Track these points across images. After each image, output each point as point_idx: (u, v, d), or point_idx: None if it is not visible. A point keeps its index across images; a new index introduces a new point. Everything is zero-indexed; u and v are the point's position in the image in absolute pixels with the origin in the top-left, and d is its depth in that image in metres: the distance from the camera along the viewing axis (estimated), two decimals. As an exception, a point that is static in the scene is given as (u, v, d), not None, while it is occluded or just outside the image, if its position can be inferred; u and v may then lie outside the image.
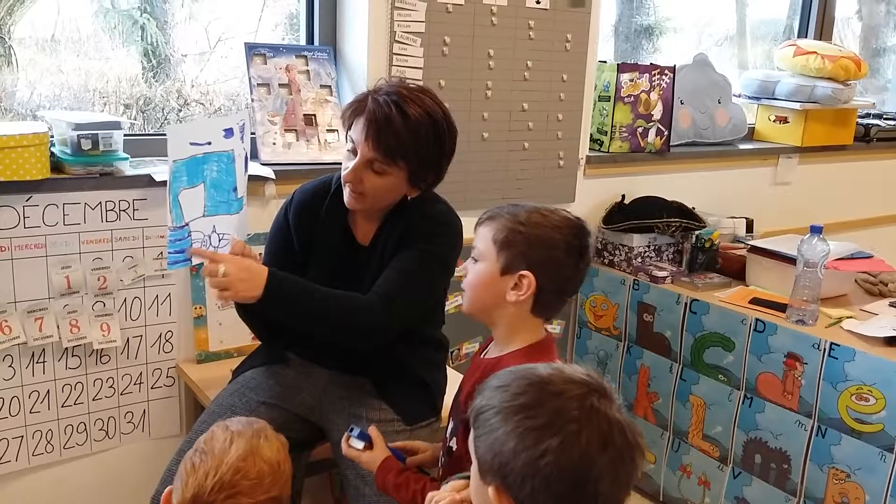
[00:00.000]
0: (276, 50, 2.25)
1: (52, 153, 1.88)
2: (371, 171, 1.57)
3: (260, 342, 1.88)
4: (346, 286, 1.63)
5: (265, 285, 1.47)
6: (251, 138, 1.91)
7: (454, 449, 1.40)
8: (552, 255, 1.32)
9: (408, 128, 1.55)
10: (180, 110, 2.43)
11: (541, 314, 1.37)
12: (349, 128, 1.60)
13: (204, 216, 1.53)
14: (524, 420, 0.89)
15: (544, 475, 0.87)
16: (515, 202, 1.39)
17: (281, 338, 1.79)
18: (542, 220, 1.33)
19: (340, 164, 1.65)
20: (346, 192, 1.63)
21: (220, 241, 1.56)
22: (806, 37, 3.67)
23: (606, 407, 0.90)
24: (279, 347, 1.81)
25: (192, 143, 1.47)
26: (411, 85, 1.64)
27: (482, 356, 1.45)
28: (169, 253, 1.51)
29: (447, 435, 1.46)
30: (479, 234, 1.38)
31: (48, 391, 1.98)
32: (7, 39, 2.15)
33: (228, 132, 1.51)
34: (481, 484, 0.94)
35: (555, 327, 2.79)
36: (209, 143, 1.49)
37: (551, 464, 0.86)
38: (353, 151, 1.59)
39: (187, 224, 1.51)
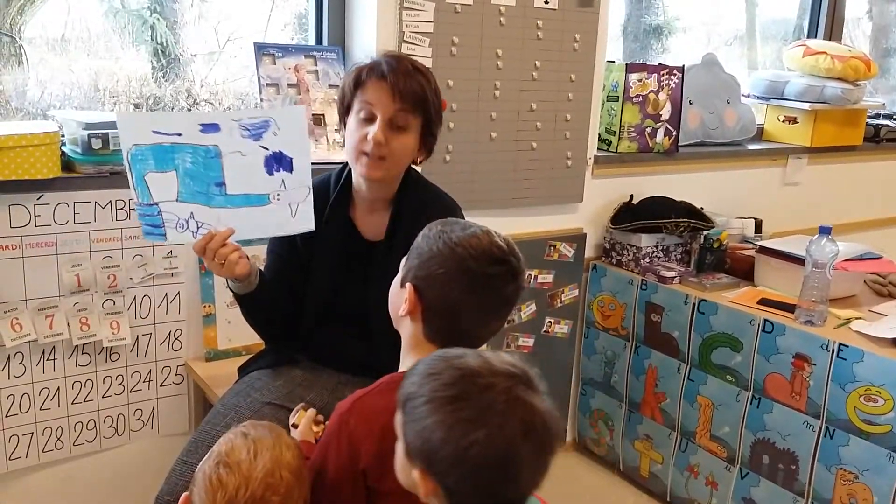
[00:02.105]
0: (286, 50, 2.26)
1: (63, 152, 1.90)
2: (393, 129, 1.60)
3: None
4: (352, 284, 1.63)
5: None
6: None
7: None
8: (438, 273, 1.22)
9: (423, 79, 1.62)
10: (189, 110, 2.44)
11: (434, 338, 1.25)
12: (357, 94, 1.62)
13: (177, 201, 1.56)
14: (453, 412, 0.94)
15: (470, 465, 0.93)
16: (467, 221, 1.32)
17: (290, 341, 1.80)
18: (447, 237, 1.24)
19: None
20: (364, 162, 1.62)
21: (198, 227, 1.57)
22: (816, 37, 3.66)
23: (531, 396, 0.96)
24: (289, 349, 1.81)
25: (154, 132, 1.51)
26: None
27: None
28: (143, 225, 1.58)
29: None
30: None
31: (58, 388, 1.99)
32: (17, 39, 2.16)
33: (209, 128, 1.51)
34: (407, 463, 1.00)
35: (562, 327, 2.79)
36: (178, 135, 1.51)
37: (478, 455, 0.92)
38: (369, 117, 1.60)
39: (156, 203, 1.55)
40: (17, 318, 1.89)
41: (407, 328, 1.29)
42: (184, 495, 1.17)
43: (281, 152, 1.55)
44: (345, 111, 1.66)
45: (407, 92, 1.59)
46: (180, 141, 1.51)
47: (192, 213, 1.56)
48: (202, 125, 1.52)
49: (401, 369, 1.30)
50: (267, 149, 1.54)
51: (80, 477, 2.08)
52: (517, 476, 0.94)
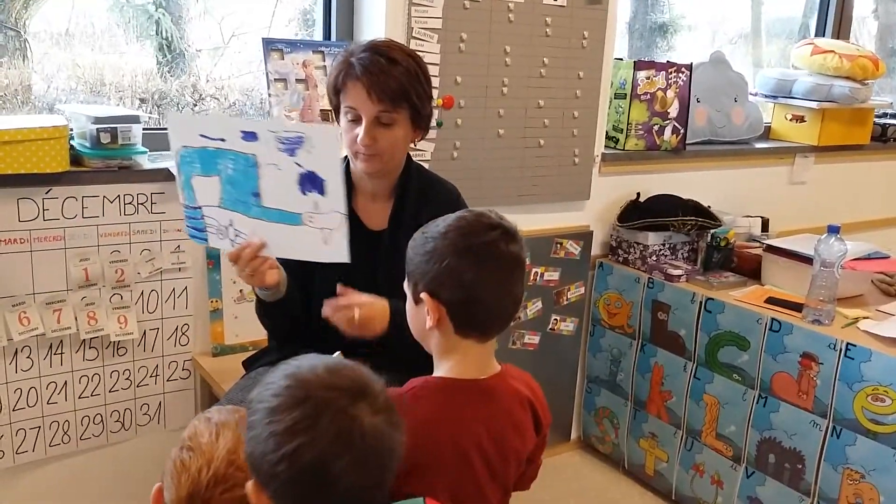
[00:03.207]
0: (294, 45, 2.25)
1: (72, 146, 1.89)
2: (380, 126, 1.60)
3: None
4: (359, 274, 1.62)
5: (389, 319, 1.54)
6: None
7: None
8: (443, 267, 1.21)
9: (400, 70, 1.59)
10: (195, 105, 2.44)
11: (467, 330, 1.25)
12: (340, 98, 1.63)
13: (220, 207, 1.53)
14: (270, 424, 0.94)
15: (283, 479, 0.92)
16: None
17: (297, 337, 1.78)
18: (432, 234, 1.24)
19: None
20: (359, 160, 1.64)
21: (236, 236, 1.55)
22: (823, 35, 3.65)
23: (360, 410, 0.94)
24: (295, 345, 1.80)
25: (201, 136, 1.48)
26: (377, 39, 1.69)
27: None
28: (187, 226, 1.57)
29: None
30: None
31: (65, 382, 1.99)
32: (22, 33, 2.16)
33: (249, 136, 1.47)
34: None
35: (568, 324, 2.79)
36: (222, 140, 1.47)
37: (287, 470, 0.92)
38: (356, 118, 1.61)
39: (200, 207, 1.54)
40: (25, 311, 1.89)
41: (436, 337, 1.27)
42: (156, 485, 1.17)
43: (314, 172, 1.48)
44: (335, 111, 1.69)
45: (385, 91, 1.58)
46: (224, 146, 1.49)
47: (231, 220, 1.54)
48: (243, 132, 1.48)
49: (438, 373, 1.28)
50: (301, 166, 1.48)
51: (87, 471, 2.08)
52: (337, 490, 0.92)
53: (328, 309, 1.52)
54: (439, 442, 1.22)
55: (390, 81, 1.58)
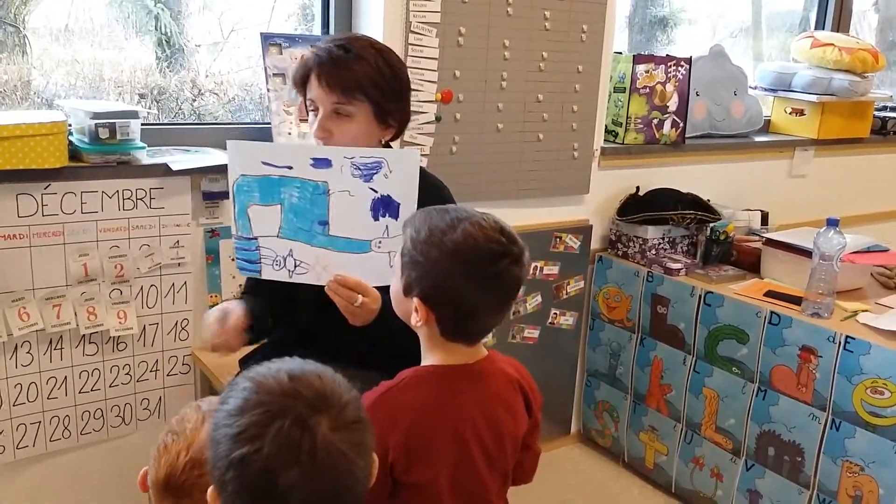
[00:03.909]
0: (292, 40, 2.25)
1: (70, 142, 1.89)
2: (337, 118, 1.57)
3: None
4: None
5: (375, 318, 1.50)
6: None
7: None
8: (445, 283, 1.20)
9: (356, 58, 1.55)
10: (194, 100, 2.44)
11: (453, 338, 1.26)
12: (304, 92, 1.61)
13: (279, 237, 1.51)
14: (224, 427, 0.90)
15: (232, 487, 0.88)
16: (447, 207, 1.27)
17: (290, 330, 1.76)
18: (439, 242, 1.20)
19: None
20: None
21: (295, 266, 1.51)
22: (823, 28, 3.64)
23: (317, 423, 0.88)
24: (288, 345, 1.74)
25: (264, 163, 1.46)
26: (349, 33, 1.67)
27: None
28: (237, 259, 1.53)
29: None
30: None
31: (65, 377, 2.00)
32: (22, 29, 2.16)
33: (320, 162, 1.46)
34: None
35: (568, 319, 2.79)
36: (289, 168, 1.46)
37: (236, 478, 0.87)
38: (316, 110, 1.59)
39: (255, 238, 1.51)
40: (25, 307, 1.89)
41: (423, 332, 1.28)
42: (143, 469, 1.17)
43: (389, 196, 1.48)
44: (304, 95, 1.66)
45: (337, 83, 1.54)
46: (290, 174, 1.46)
47: (291, 250, 1.51)
48: (314, 159, 1.46)
49: (426, 363, 1.29)
50: (376, 191, 1.47)
51: (87, 466, 2.09)
52: (282, 502, 0.87)
53: (334, 284, 1.48)
54: (436, 427, 1.23)
55: (344, 72, 1.54)
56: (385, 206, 1.48)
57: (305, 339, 1.76)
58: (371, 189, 1.47)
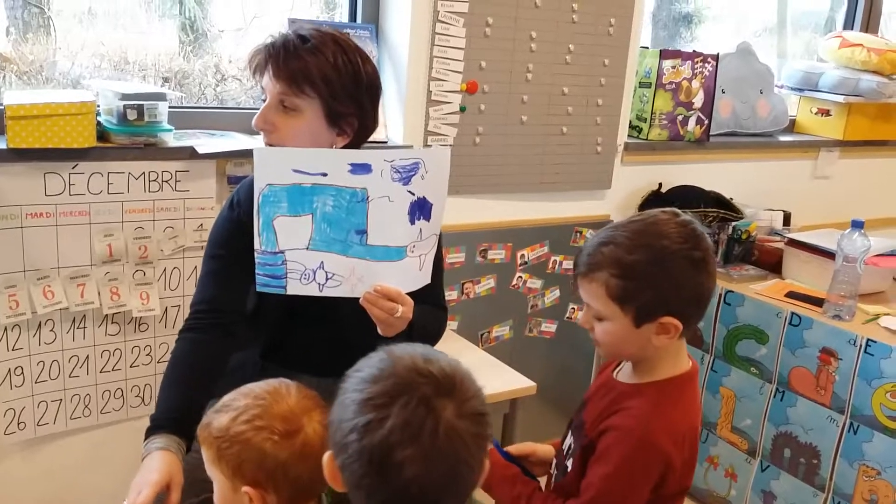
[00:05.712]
0: (318, 27, 2.24)
1: (98, 122, 1.90)
2: (283, 112, 1.44)
3: None
4: None
5: (406, 329, 1.44)
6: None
7: (569, 469, 1.34)
8: (683, 288, 1.21)
9: (310, 50, 1.42)
10: (217, 85, 2.44)
11: (687, 332, 1.28)
12: (261, 82, 1.48)
13: (308, 249, 1.38)
14: (354, 392, 0.92)
15: (350, 451, 0.90)
16: (611, 230, 1.25)
17: (252, 351, 1.66)
18: (650, 256, 1.20)
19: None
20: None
21: (326, 279, 1.40)
22: (852, 29, 3.60)
23: (439, 405, 0.89)
24: (254, 358, 1.67)
25: (295, 171, 1.34)
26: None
27: (615, 375, 1.37)
28: (258, 275, 1.39)
29: (563, 449, 1.40)
30: (586, 290, 1.26)
31: (87, 356, 2.01)
32: (46, 10, 2.17)
33: (358, 168, 1.35)
34: None
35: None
36: (323, 175, 1.34)
37: (355, 441, 0.89)
38: (265, 99, 1.47)
39: (282, 251, 1.38)
40: (50, 285, 1.91)
41: (656, 349, 1.26)
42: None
43: (425, 198, 1.40)
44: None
45: (285, 73, 1.42)
46: (324, 182, 1.34)
47: (322, 262, 1.39)
48: (352, 165, 1.34)
49: (663, 374, 1.29)
50: (413, 194, 1.38)
51: (107, 444, 2.10)
52: (400, 478, 0.87)
53: (373, 296, 1.38)
54: (697, 432, 1.31)
55: (294, 61, 1.42)
56: (420, 209, 1.41)
57: (269, 353, 1.66)
58: (409, 192, 1.38)
